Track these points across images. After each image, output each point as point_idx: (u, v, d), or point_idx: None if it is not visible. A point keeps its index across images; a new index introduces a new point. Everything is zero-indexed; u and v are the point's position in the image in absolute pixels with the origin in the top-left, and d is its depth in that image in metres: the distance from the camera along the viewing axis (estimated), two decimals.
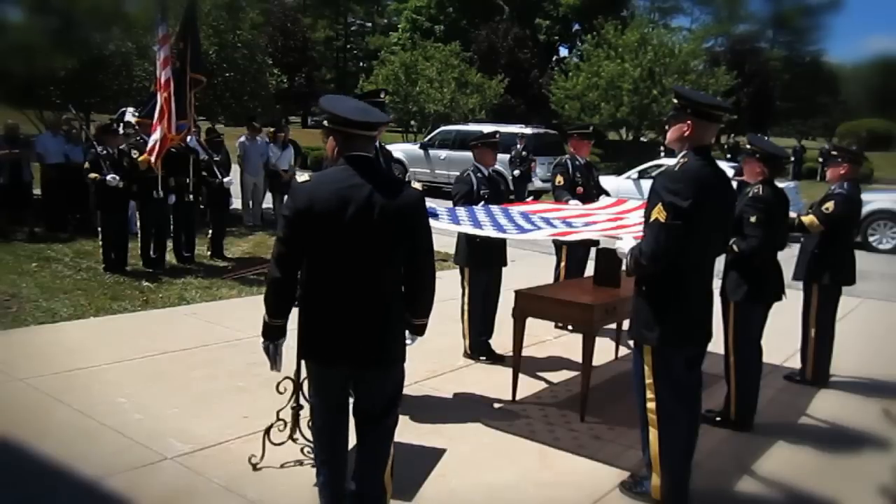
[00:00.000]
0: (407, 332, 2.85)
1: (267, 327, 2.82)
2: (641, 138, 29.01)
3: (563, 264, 6.34)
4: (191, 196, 8.39)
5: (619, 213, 5.06)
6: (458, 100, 26.78)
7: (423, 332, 2.89)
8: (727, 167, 12.09)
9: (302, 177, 3.04)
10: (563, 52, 41.76)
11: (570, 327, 6.18)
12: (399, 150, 18.95)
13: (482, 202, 5.14)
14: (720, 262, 3.75)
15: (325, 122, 2.73)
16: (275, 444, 3.51)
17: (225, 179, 8.85)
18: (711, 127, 3.22)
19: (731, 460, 3.92)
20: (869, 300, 8.08)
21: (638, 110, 25.52)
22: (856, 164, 5.27)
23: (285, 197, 11.55)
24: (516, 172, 15.25)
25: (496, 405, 4.57)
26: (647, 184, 13.25)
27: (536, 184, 15.98)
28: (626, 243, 3.33)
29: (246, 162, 11.44)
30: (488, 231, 4.39)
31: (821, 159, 20.59)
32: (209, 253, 8.92)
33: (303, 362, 3.61)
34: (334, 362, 2.73)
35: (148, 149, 7.58)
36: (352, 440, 2.86)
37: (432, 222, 4.38)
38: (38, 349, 5.09)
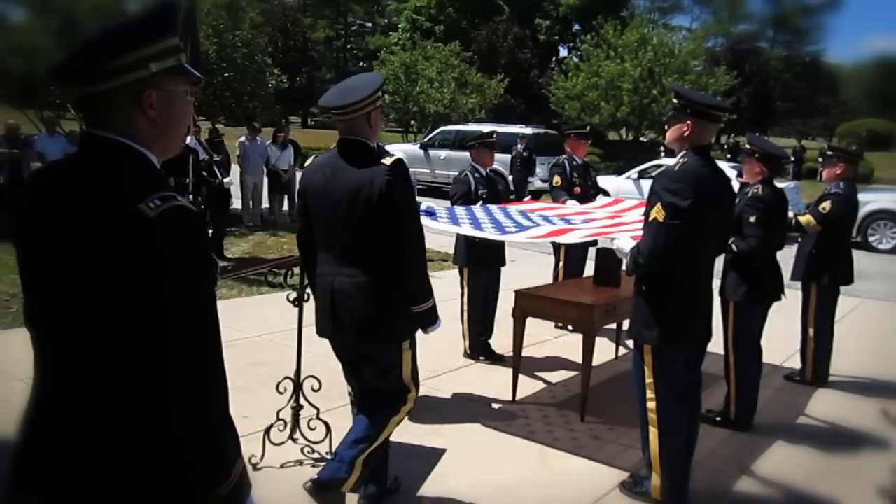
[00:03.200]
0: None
1: None
2: (641, 138, 29.04)
3: (561, 264, 6.34)
4: (190, 196, 8.39)
5: (617, 212, 5.07)
6: (458, 100, 26.78)
7: None
8: (728, 167, 12.10)
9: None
10: (563, 52, 41.79)
11: (570, 327, 6.18)
12: (399, 150, 18.93)
13: (480, 202, 5.15)
14: (719, 262, 3.75)
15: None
16: (275, 444, 3.51)
17: (225, 179, 8.85)
18: (711, 127, 3.22)
19: (731, 460, 3.92)
20: (869, 300, 8.08)
21: (638, 110, 25.55)
22: (852, 164, 5.27)
23: (285, 197, 11.49)
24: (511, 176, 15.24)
25: (496, 405, 4.57)
26: (647, 184, 13.24)
27: (536, 184, 15.99)
28: (624, 243, 3.33)
29: (246, 162, 11.44)
30: (488, 232, 4.38)
31: (820, 159, 20.61)
32: None
33: (303, 361, 3.62)
34: None
35: None
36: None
37: (429, 223, 4.41)
38: None
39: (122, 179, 1.30)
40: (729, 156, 22.61)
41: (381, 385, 2.99)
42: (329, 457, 3.52)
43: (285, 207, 12.10)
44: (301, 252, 3.13)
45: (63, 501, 1.28)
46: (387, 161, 2.78)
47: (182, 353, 1.27)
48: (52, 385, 1.31)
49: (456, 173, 5.86)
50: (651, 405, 3.22)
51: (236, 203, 11.01)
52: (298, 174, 12.56)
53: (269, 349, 5.27)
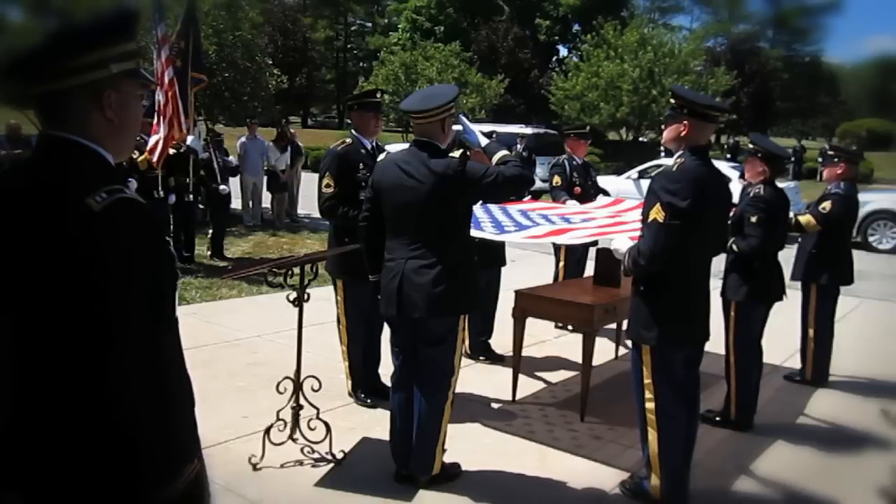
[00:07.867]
0: None
1: None
2: (641, 138, 29.05)
3: (561, 264, 6.34)
4: (190, 196, 8.40)
5: (617, 212, 5.07)
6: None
7: None
8: (728, 168, 12.10)
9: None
10: (563, 52, 41.78)
11: (570, 327, 6.18)
12: (398, 149, 18.92)
13: (480, 202, 5.13)
14: (720, 262, 3.75)
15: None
16: (275, 444, 3.51)
17: (221, 187, 8.87)
18: (708, 127, 3.23)
19: (730, 460, 3.92)
20: (868, 300, 8.08)
21: (638, 110, 25.56)
22: (853, 164, 5.27)
23: (285, 196, 11.46)
24: None
25: (496, 405, 4.57)
26: (647, 184, 13.24)
27: (536, 184, 15.99)
28: (621, 243, 3.33)
29: (246, 162, 11.45)
30: (488, 232, 4.38)
31: (820, 159, 20.60)
32: (209, 253, 8.92)
33: (303, 361, 3.62)
34: None
35: (148, 148, 7.56)
36: None
37: None
38: None
39: (73, 176, 1.30)
40: (729, 156, 22.63)
41: (432, 364, 3.29)
42: (329, 457, 3.54)
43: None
44: (366, 237, 3.46)
45: (19, 496, 1.28)
46: (455, 154, 3.29)
47: (131, 346, 1.25)
48: (8, 381, 1.30)
49: None
50: (650, 405, 3.22)
51: (236, 203, 11.02)
52: (304, 175, 12.63)
53: (269, 349, 5.28)
